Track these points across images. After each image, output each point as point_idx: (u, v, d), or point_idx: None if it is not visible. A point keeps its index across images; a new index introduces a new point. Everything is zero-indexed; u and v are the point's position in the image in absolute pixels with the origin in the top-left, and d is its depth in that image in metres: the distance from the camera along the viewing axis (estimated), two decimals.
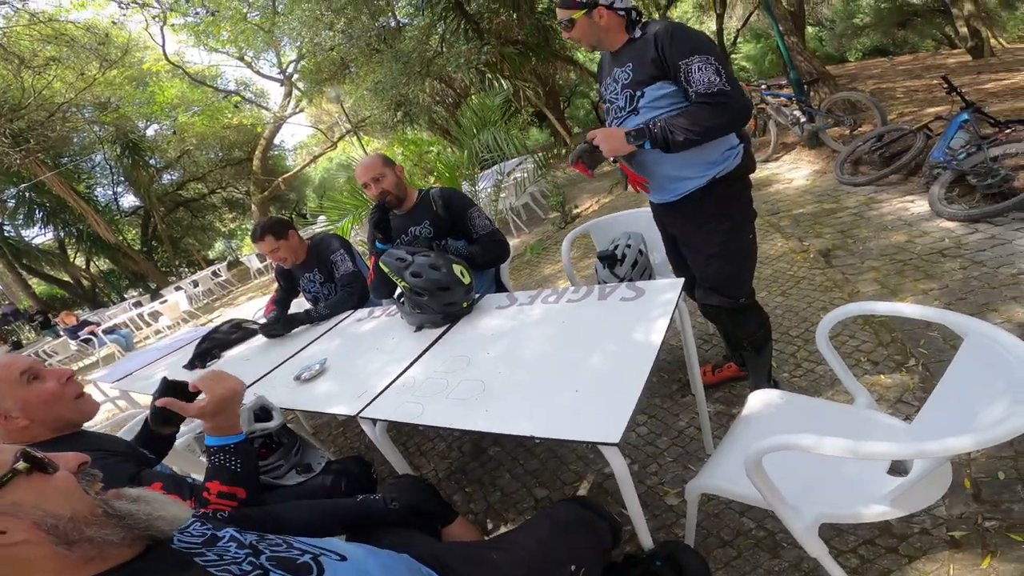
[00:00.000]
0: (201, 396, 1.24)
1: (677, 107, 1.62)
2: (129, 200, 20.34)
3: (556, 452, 2.14)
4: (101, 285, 20.88)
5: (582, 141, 1.80)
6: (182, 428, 1.58)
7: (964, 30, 9.88)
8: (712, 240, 1.76)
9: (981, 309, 2.23)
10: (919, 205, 3.43)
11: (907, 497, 1.03)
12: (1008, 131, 3.34)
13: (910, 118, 5.09)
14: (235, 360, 2.52)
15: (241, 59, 16.98)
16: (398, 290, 1.99)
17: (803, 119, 5.50)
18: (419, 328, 1.92)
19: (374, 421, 1.45)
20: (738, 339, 1.93)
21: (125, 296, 19.60)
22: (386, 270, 1.91)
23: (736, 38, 18.48)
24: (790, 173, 5.14)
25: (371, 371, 1.73)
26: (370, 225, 2.24)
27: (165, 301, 9.96)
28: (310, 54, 12.67)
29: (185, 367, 2.62)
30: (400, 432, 2.69)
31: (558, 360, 1.39)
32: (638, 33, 1.68)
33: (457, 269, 1.84)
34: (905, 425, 1.26)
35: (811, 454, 1.15)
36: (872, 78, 9.42)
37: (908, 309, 1.20)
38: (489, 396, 1.31)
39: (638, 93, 1.67)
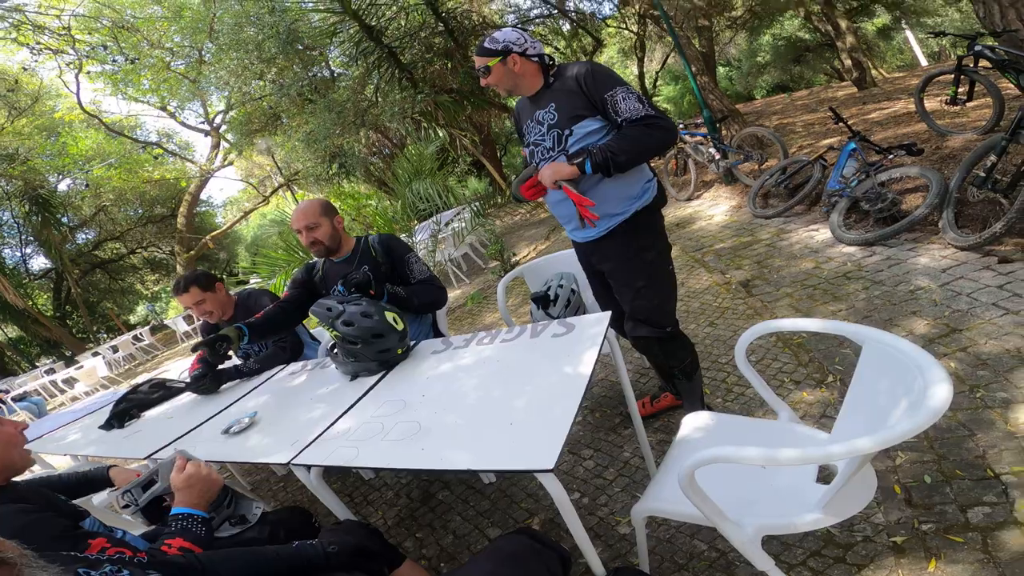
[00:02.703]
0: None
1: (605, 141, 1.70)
2: (40, 262, 18.78)
3: (506, 491, 2.11)
4: (10, 353, 18.92)
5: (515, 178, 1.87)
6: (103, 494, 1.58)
7: (848, 62, 10.67)
8: (640, 272, 1.84)
9: (885, 325, 2.42)
10: (822, 232, 3.75)
11: (836, 503, 1.07)
12: (891, 156, 3.66)
13: (808, 150, 5.46)
14: (157, 419, 2.39)
15: (164, 109, 16.32)
16: (331, 341, 1.94)
17: (718, 156, 5.87)
18: (354, 377, 1.87)
19: (308, 468, 1.39)
20: (670, 368, 2.00)
21: (36, 364, 17.86)
22: (316, 320, 1.87)
23: (656, 80, 19.40)
24: (711, 210, 5.51)
25: (305, 421, 1.67)
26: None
27: (81, 367, 9.20)
28: (238, 104, 12.31)
29: (102, 427, 2.47)
30: (345, 483, 2.59)
31: (493, 397, 1.39)
32: (552, 78, 1.78)
33: (390, 316, 1.82)
34: (826, 435, 1.33)
35: (744, 469, 1.20)
36: (776, 114, 10.15)
37: (809, 324, 1.31)
38: (425, 435, 1.30)
39: (566, 132, 1.74)
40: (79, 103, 14.58)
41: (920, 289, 2.62)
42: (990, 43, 3.83)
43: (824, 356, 2.34)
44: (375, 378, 1.80)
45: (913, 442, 1.70)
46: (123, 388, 8.47)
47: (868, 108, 6.95)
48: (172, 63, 13.48)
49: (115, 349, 12.15)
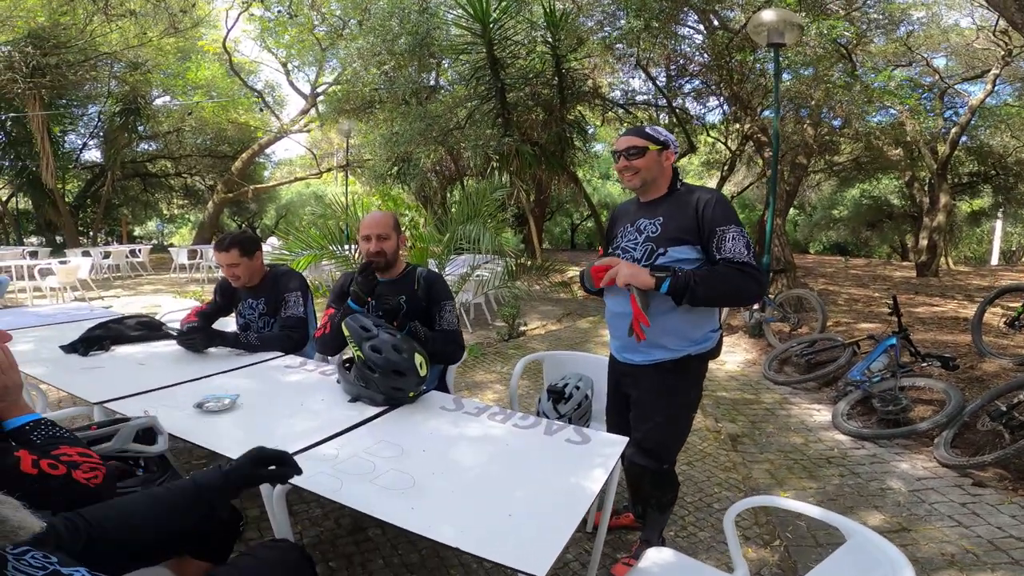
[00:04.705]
0: None
1: None
2: (91, 155, 19.30)
3: (440, 552, 2.07)
4: (7, 221, 19.12)
5: (587, 264, 1.86)
6: None
7: (924, 242, 10.25)
8: (665, 410, 1.82)
9: (846, 511, 2.47)
10: (823, 415, 3.77)
11: None
12: (924, 364, 3.56)
13: (844, 329, 5.24)
14: (126, 361, 2.32)
15: (284, 65, 17.26)
16: (347, 353, 1.95)
17: (756, 306, 5.61)
18: (354, 400, 1.86)
19: None
20: (649, 497, 2.00)
21: (24, 241, 18.05)
22: (347, 333, 1.88)
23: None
24: (726, 356, 5.42)
25: (289, 426, 1.65)
26: (357, 280, 2.14)
27: (66, 262, 9.11)
28: (346, 82, 12.80)
29: (63, 347, 2.37)
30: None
31: (496, 480, 1.39)
32: (679, 187, 1.77)
33: (418, 359, 1.82)
34: None
35: None
36: (824, 276, 9.91)
37: (810, 509, 1.38)
38: (418, 494, 1.27)
39: (660, 250, 1.70)
40: (225, 39, 15.47)
41: (890, 489, 2.72)
42: None
43: (780, 522, 2.41)
44: (376, 410, 1.78)
45: None
46: (93, 297, 8.22)
47: (918, 300, 6.73)
48: (316, 28, 14.31)
49: (107, 255, 12.07)
